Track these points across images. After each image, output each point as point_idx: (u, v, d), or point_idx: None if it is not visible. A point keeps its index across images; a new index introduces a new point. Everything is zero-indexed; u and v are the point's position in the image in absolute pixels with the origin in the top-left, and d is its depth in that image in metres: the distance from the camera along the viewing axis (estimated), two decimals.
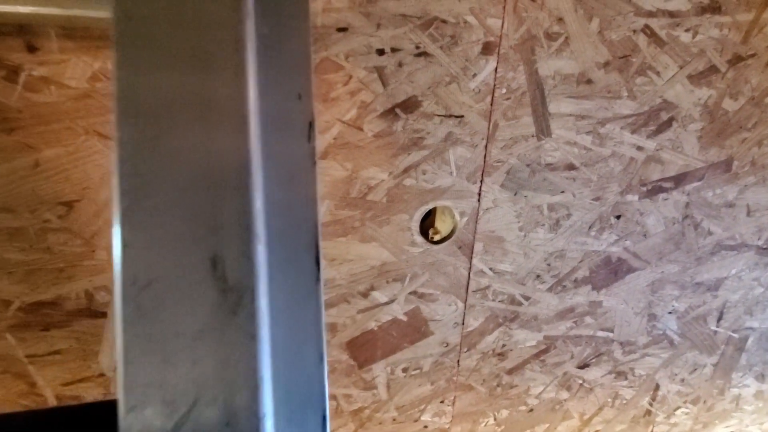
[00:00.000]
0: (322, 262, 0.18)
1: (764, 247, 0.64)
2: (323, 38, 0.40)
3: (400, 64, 0.42)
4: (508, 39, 0.44)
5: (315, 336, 0.18)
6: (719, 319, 0.67)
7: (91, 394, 0.48)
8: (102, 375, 0.47)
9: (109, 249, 0.43)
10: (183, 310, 0.16)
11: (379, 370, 0.54)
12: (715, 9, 0.49)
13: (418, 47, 0.42)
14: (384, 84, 0.42)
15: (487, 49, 0.44)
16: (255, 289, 0.16)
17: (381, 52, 0.41)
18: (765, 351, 0.74)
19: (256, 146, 0.16)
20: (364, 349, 0.52)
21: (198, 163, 0.16)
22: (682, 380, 0.70)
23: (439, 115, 0.45)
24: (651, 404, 0.70)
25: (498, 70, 0.45)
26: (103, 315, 0.45)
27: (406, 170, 0.46)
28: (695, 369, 0.70)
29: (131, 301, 0.16)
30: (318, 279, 0.19)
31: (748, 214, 0.61)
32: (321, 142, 0.43)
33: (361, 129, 0.43)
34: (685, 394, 0.71)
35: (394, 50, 0.42)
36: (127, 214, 0.16)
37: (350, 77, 0.41)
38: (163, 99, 0.16)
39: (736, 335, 0.70)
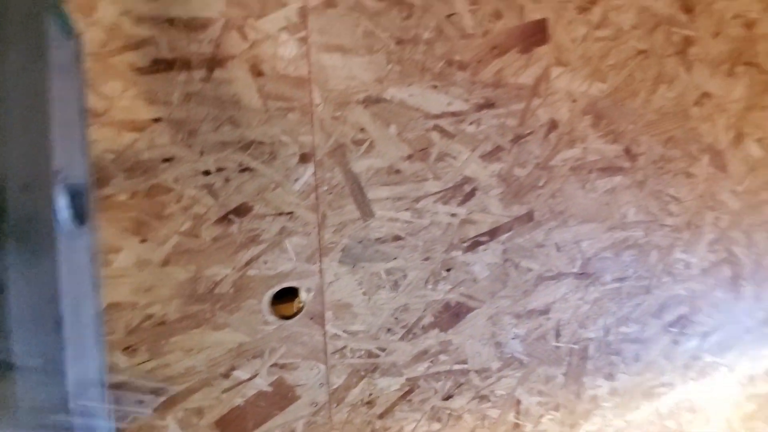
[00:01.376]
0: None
1: (580, 272, 0.81)
2: (151, 169, 0.48)
3: (227, 180, 0.51)
4: (321, 149, 0.55)
5: None
6: (557, 336, 0.82)
7: None
8: None
9: None
10: None
11: None
12: (490, 105, 0.64)
13: (240, 165, 0.51)
14: (214, 197, 0.51)
15: (304, 158, 0.54)
16: None
17: (207, 173, 0.50)
18: (607, 354, 0.91)
19: None
20: (234, 425, 0.58)
21: None
22: (540, 392, 0.83)
23: (270, 215, 0.54)
24: (517, 417, 0.83)
25: (317, 173, 0.55)
26: None
27: (248, 263, 0.54)
28: (549, 380, 0.84)
29: None
30: None
31: (558, 250, 0.77)
32: (161, 252, 0.50)
33: (198, 236, 0.51)
34: (545, 403, 0.85)
35: (219, 170, 0.50)
36: None
37: (181, 196, 0.49)
38: None
39: (576, 346, 0.85)
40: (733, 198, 0.96)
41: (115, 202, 0.47)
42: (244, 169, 0.51)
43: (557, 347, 0.83)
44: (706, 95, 0.84)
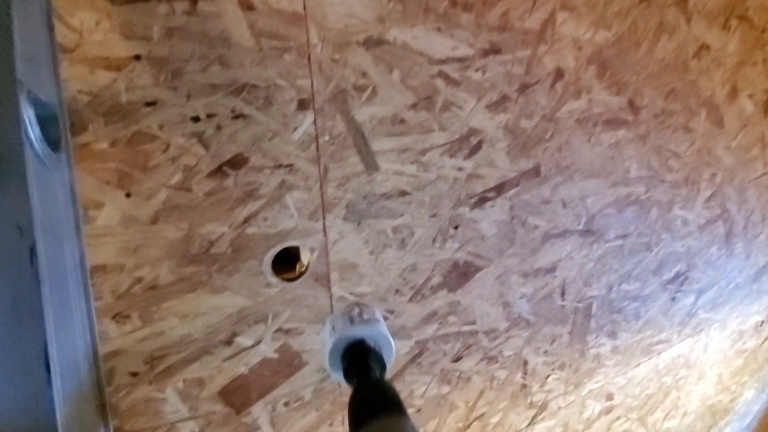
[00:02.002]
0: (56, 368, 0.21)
1: (585, 230, 0.80)
2: (132, 113, 0.43)
3: (218, 127, 0.46)
4: (321, 95, 0.51)
5: None
6: (563, 294, 0.81)
7: None
8: None
9: None
10: None
11: (258, 411, 0.57)
12: (496, 51, 0.61)
13: (233, 111, 0.47)
14: (206, 147, 0.46)
15: (303, 105, 0.50)
16: None
17: (196, 119, 0.45)
18: (610, 313, 0.91)
19: None
20: (238, 395, 0.55)
21: None
22: (545, 351, 0.83)
23: (269, 167, 0.50)
24: (524, 378, 0.83)
25: (317, 121, 0.51)
26: None
27: (246, 220, 0.50)
28: (554, 340, 0.84)
29: None
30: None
31: (564, 206, 0.76)
32: (149, 208, 0.45)
33: (190, 190, 0.46)
34: (551, 362, 0.85)
35: (209, 116, 0.46)
36: None
37: (168, 145, 0.45)
38: None
39: (581, 305, 0.85)
40: (727, 153, 0.97)
41: (93, 150, 0.42)
42: (238, 116, 0.47)
43: (562, 306, 0.82)
44: (705, 47, 0.83)
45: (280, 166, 0.51)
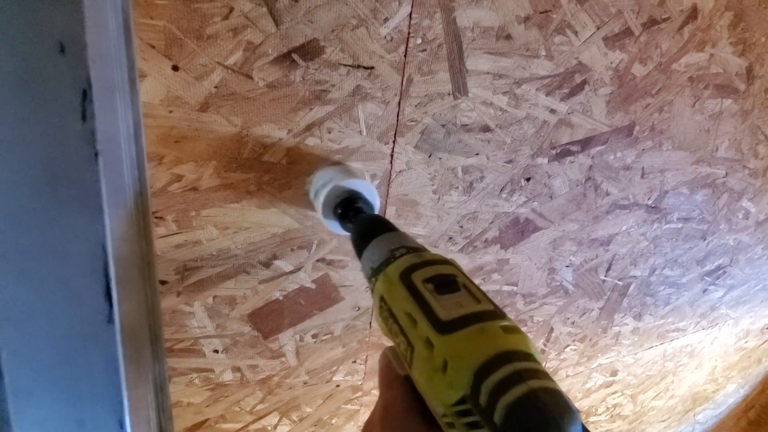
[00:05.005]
0: (116, 295, 0.15)
1: (653, 205, 0.75)
2: None
3: None
4: None
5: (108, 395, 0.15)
6: (608, 269, 0.78)
7: None
8: None
9: None
10: None
11: (286, 339, 0.54)
12: None
13: None
14: (276, 22, 0.37)
15: None
16: None
17: None
18: (644, 295, 0.90)
19: None
20: (269, 320, 0.51)
21: None
22: (573, 323, 0.82)
23: (345, 65, 0.41)
24: (545, 345, 0.83)
25: (413, 15, 0.41)
26: None
27: (308, 128, 0.43)
28: (584, 313, 0.82)
29: None
30: (110, 318, 0.15)
31: (642, 176, 0.69)
32: (199, 91, 0.37)
33: (250, 77, 0.38)
34: (575, 334, 0.85)
35: None
36: None
37: (231, 9, 0.35)
38: None
39: (620, 283, 0.83)
40: None
41: None
42: None
43: (603, 281, 0.80)
44: None
45: (358, 66, 0.42)
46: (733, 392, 1.50)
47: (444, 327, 0.20)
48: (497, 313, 0.21)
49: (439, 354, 0.20)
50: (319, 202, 0.40)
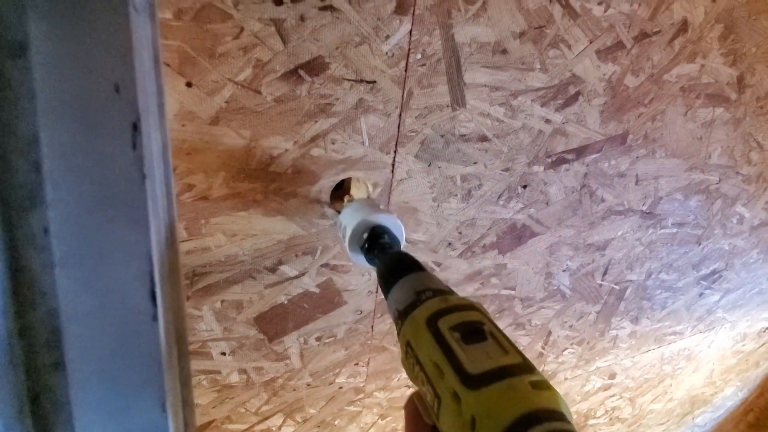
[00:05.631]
0: (160, 295, 0.17)
1: (648, 211, 0.77)
2: None
3: (302, 18, 0.39)
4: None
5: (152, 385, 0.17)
6: (604, 274, 0.80)
7: None
8: None
9: None
10: None
11: (291, 342, 0.56)
12: None
13: (323, 0, 0.39)
14: (284, 40, 0.39)
15: (401, 8, 0.42)
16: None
17: (279, 1, 0.38)
18: (641, 299, 0.92)
19: (53, 149, 0.13)
20: (274, 323, 0.53)
21: None
22: (571, 326, 0.84)
23: (349, 80, 0.44)
24: (543, 348, 0.85)
25: (413, 32, 0.44)
26: None
27: (313, 139, 0.45)
28: (582, 316, 0.84)
29: None
30: (155, 317, 0.18)
31: (637, 183, 0.71)
32: (210, 105, 0.39)
33: (258, 92, 0.40)
34: (572, 337, 0.87)
35: (294, 1, 0.38)
36: None
37: (241, 29, 0.38)
38: None
39: (617, 287, 0.85)
40: None
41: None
42: (326, 7, 0.39)
43: (600, 285, 0.82)
44: None
45: (361, 80, 0.44)
46: (731, 395, 1.51)
47: (472, 381, 0.20)
48: (526, 367, 0.21)
49: (467, 410, 0.19)
50: (347, 236, 0.40)
